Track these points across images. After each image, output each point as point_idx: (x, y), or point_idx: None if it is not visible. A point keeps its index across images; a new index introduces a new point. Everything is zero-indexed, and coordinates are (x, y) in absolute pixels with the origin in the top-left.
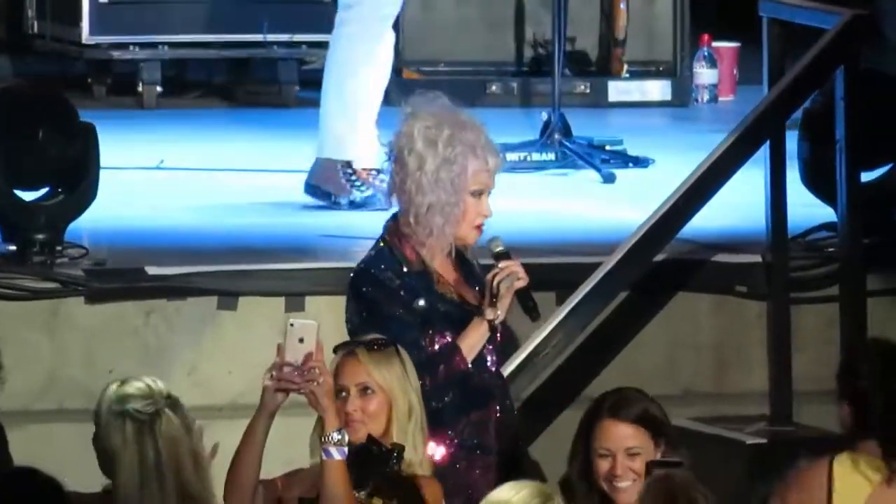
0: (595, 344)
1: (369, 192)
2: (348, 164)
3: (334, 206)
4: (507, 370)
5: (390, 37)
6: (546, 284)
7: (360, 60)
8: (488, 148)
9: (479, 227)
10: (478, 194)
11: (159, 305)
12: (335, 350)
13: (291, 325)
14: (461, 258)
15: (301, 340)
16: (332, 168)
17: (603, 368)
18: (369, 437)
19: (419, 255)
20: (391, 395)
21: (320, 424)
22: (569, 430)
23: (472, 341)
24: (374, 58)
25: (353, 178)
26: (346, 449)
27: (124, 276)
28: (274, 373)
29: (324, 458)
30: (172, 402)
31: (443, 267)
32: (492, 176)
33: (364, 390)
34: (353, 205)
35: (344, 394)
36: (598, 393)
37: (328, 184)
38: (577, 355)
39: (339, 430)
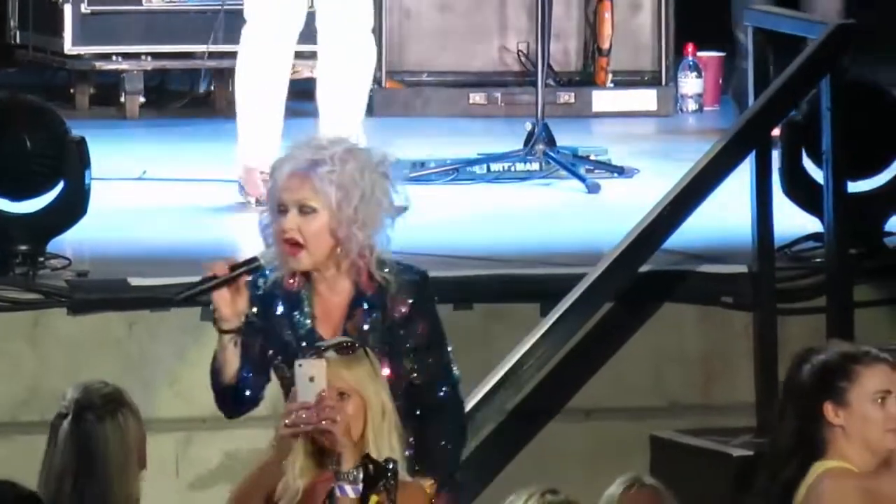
0: (580, 355)
1: None
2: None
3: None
4: (491, 382)
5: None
6: (530, 296)
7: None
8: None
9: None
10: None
11: (142, 316)
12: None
13: (300, 365)
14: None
15: (311, 379)
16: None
17: (588, 380)
18: (365, 455)
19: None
20: (365, 396)
21: (301, 451)
22: (553, 441)
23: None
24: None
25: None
26: (360, 487)
27: (107, 287)
28: (288, 420)
29: (338, 493)
30: (81, 408)
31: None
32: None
33: (340, 395)
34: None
35: None
36: (584, 405)
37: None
38: (562, 367)
39: (357, 468)
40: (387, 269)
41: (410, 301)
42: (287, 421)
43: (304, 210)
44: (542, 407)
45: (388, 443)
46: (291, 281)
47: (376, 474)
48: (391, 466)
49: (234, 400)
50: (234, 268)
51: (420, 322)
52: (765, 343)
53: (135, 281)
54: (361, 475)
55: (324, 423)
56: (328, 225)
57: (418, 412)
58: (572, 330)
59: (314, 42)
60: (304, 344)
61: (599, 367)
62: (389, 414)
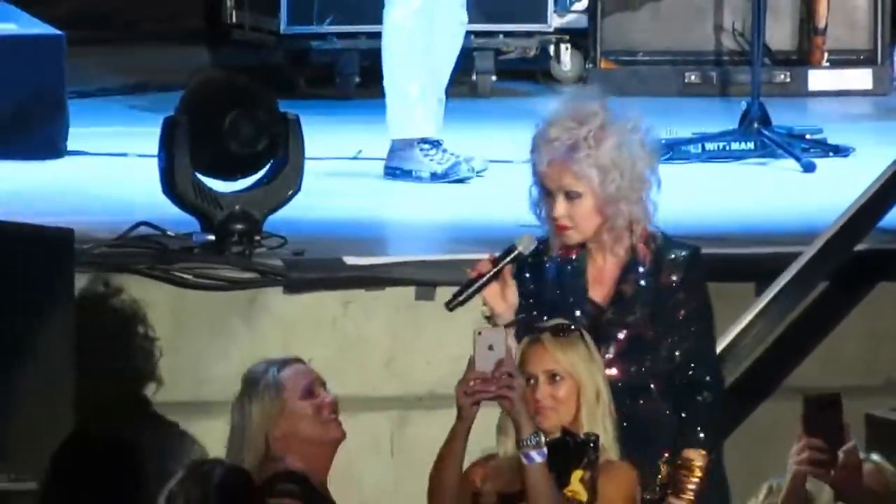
0: (794, 335)
1: (450, 163)
2: (423, 140)
3: (416, 179)
4: None
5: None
6: (745, 275)
7: (394, 43)
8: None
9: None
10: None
11: (357, 295)
12: (519, 337)
13: (479, 333)
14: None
15: (490, 348)
16: (407, 146)
17: (803, 359)
18: (564, 429)
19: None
20: (578, 380)
21: (506, 419)
22: (767, 420)
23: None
24: (403, 32)
25: (430, 151)
26: (545, 450)
27: (323, 266)
28: (468, 387)
29: (525, 462)
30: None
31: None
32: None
33: (552, 377)
34: (435, 176)
35: (532, 381)
36: (799, 384)
37: (406, 162)
38: (777, 346)
39: (536, 433)
40: (658, 239)
41: (682, 273)
42: (465, 389)
43: (570, 195)
44: (757, 385)
45: (601, 426)
46: (565, 248)
47: (577, 448)
48: (592, 440)
49: None
50: (496, 262)
51: (687, 295)
52: None
53: (350, 260)
54: (543, 438)
55: (501, 391)
56: (595, 205)
57: (677, 390)
58: (787, 309)
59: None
60: (576, 307)
61: (814, 346)
62: (604, 397)
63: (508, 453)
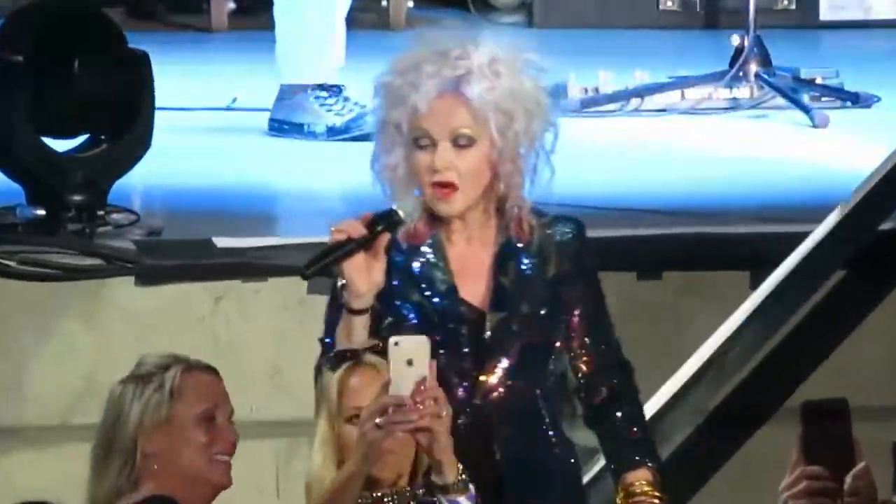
0: (801, 339)
1: (352, 114)
2: (318, 86)
3: (309, 136)
4: (686, 375)
5: None
6: (737, 261)
7: None
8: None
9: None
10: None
11: (232, 288)
12: (332, 361)
13: (396, 343)
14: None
15: (409, 363)
16: (298, 93)
17: (810, 372)
18: (411, 483)
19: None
20: None
21: (326, 443)
22: (763, 452)
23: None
24: None
25: (328, 100)
26: (474, 494)
27: (187, 249)
28: (379, 419)
29: None
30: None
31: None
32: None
33: None
34: (334, 131)
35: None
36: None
37: (297, 114)
38: (778, 354)
39: (463, 474)
40: (537, 214)
41: (574, 256)
42: (378, 420)
43: (460, 142)
44: (751, 407)
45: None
46: (413, 229)
47: None
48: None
49: None
50: (370, 225)
51: (585, 286)
52: None
53: (222, 242)
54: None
55: (425, 420)
56: (488, 158)
57: (590, 411)
58: (791, 306)
59: None
60: (440, 306)
61: (827, 355)
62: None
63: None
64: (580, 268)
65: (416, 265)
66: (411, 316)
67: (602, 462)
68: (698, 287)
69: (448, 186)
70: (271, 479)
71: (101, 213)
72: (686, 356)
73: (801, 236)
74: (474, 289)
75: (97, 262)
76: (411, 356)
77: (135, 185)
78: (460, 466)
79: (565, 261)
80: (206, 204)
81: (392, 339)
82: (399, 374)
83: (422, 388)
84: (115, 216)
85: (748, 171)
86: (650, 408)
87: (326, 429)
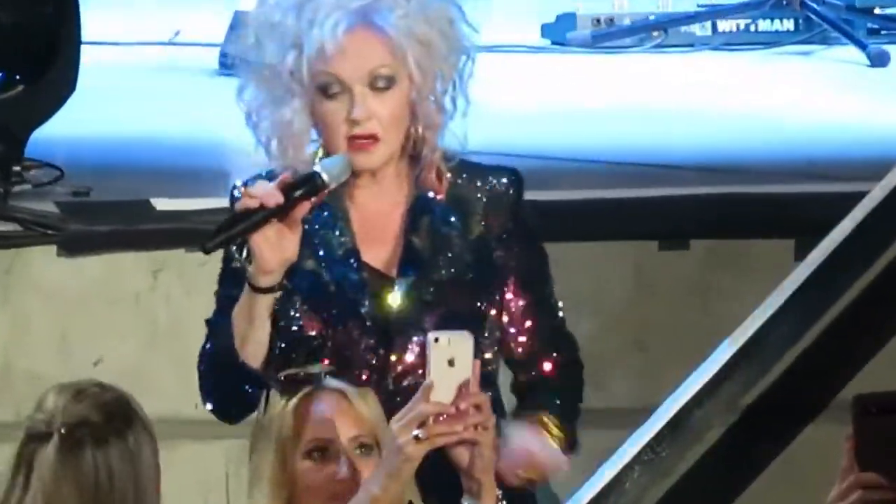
0: (853, 323)
1: None
2: None
3: None
4: (717, 364)
5: None
6: (779, 227)
7: None
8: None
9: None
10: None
11: (174, 258)
12: (281, 386)
13: (436, 340)
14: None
15: (451, 363)
16: None
17: (866, 361)
18: None
19: None
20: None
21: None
22: (809, 454)
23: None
24: None
25: None
26: None
27: (120, 212)
28: (419, 430)
29: None
30: (72, 426)
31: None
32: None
33: (361, 447)
34: None
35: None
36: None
37: None
38: (825, 340)
39: (504, 500)
40: (460, 164)
41: (506, 211)
42: (419, 432)
43: (378, 84)
44: (794, 403)
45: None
46: None
47: None
48: None
49: (241, 394)
50: (288, 190)
51: (520, 246)
52: None
53: (161, 203)
54: None
55: (470, 431)
56: (408, 100)
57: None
58: (843, 281)
59: None
60: (338, 273)
61: (884, 343)
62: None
63: None
64: (515, 227)
65: (309, 226)
66: (303, 286)
67: (620, 464)
68: (732, 258)
69: (370, 138)
70: (220, 484)
71: (17, 168)
72: (717, 342)
73: (856, 197)
74: (380, 251)
75: (12, 227)
76: (453, 355)
77: (57, 136)
78: (499, 493)
79: (495, 218)
80: (143, 158)
81: (431, 335)
82: (440, 377)
83: (466, 393)
84: (33, 172)
85: (792, 119)
86: (675, 402)
87: (275, 466)
